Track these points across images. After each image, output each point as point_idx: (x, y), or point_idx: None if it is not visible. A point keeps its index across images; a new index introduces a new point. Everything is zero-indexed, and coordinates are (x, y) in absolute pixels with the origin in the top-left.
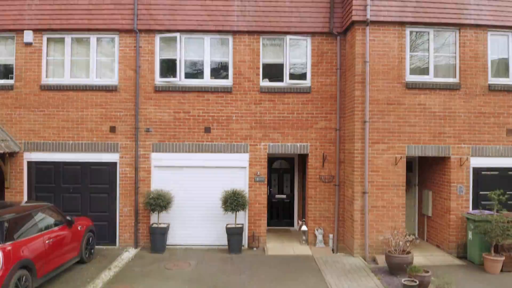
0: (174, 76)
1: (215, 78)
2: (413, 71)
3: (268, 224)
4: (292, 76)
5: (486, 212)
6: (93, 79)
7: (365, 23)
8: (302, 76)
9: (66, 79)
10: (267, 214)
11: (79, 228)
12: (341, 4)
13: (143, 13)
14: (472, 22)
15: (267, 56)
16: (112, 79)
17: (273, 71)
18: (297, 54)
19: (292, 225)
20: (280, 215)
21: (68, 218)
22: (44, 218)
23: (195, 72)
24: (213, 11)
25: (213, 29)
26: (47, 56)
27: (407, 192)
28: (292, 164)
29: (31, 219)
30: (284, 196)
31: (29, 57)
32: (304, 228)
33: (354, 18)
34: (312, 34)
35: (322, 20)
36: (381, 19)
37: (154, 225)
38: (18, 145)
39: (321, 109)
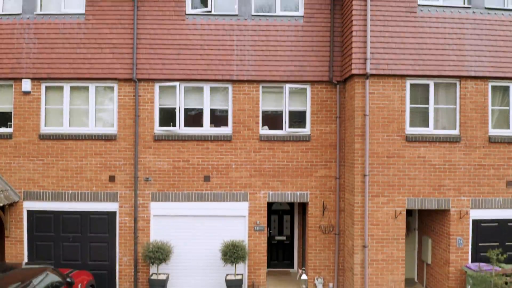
0: (174, 124)
1: (215, 126)
2: (413, 123)
3: (268, 266)
4: (292, 124)
5: (485, 267)
6: (92, 128)
7: (364, 76)
8: (302, 124)
9: (65, 128)
10: (267, 255)
11: (79, 287)
12: (341, 53)
13: (142, 63)
14: (473, 74)
15: (267, 104)
16: (111, 128)
17: (273, 118)
18: (296, 102)
19: (292, 266)
20: (280, 256)
21: (68, 280)
22: (45, 282)
23: (194, 120)
24: (212, 60)
25: (212, 79)
26: (45, 104)
27: (406, 237)
28: (292, 205)
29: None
30: (284, 237)
31: (28, 106)
32: (304, 277)
33: (354, 71)
34: (312, 82)
35: (321, 69)
36: (381, 72)
37: (153, 277)
38: (17, 194)
39: (321, 157)
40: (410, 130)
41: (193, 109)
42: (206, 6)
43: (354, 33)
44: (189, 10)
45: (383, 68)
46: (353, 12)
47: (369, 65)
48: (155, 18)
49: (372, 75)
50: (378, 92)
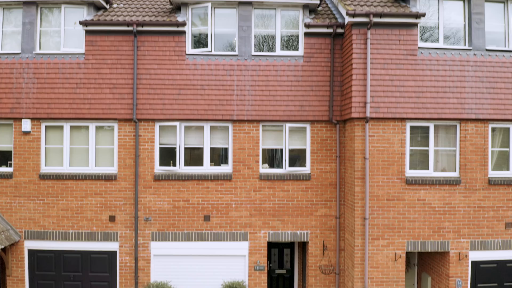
0: (174, 163)
1: (215, 165)
2: (413, 165)
3: None
4: (292, 163)
5: None
6: (92, 168)
7: (364, 119)
8: (302, 163)
9: (65, 168)
10: None
11: None
12: (340, 93)
13: (142, 103)
14: (473, 117)
15: (267, 142)
16: (111, 168)
17: (273, 156)
18: (296, 140)
19: None
20: None
21: None
22: None
23: (194, 159)
24: (213, 100)
25: (212, 118)
26: (45, 144)
27: (406, 272)
28: None
29: None
30: (284, 271)
31: (28, 146)
32: None
33: (354, 115)
34: (312, 121)
35: (321, 109)
36: (381, 115)
37: None
38: (18, 233)
39: (321, 196)
40: (410, 173)
41: (193, 148)
42: (206, 46)
43: (354, 77)
44: (189, 50)
45: (383, 112)
46: (353, 56)
47: (369, 109)
48: (155, 58)
49: (372, 118)
50: (378, 135)
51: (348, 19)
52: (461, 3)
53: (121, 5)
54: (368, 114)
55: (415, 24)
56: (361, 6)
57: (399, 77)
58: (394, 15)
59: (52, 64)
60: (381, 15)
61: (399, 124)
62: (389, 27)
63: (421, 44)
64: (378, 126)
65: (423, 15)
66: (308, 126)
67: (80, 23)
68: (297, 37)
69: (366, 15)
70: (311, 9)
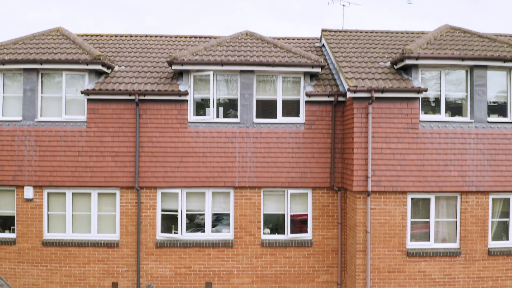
0: (175, 229)
1: (217, 231)
2: (414, 237)
3: None
4: (294, 230)
5: None
6: (95, 235)
7: (366, 193)
8: (303, 229)
9: (68, 234)
10: None
11: None
12: (342, 160)
13: (144, 171)
14: (474, 189)
15: (268, 208)
16: (113, 235)
17: (275, 221)
18: (298, 205)
19: None
20: None
21: None
22: None
23: (196, 224)
24: (215, 168)
25: (214, 185)
26: (48, 210)
27: None
28: None
29: None
30: None
31: (30, 212)
32: None
33: (355, 189)
34: (313, 188)
35: (322, 176)
36: (382, 189)
37: None
38: None
39: (323, 263)
40: (411, 245)
41: (194, 214)
42: (208, 113)
43: (355, 150)
44: (191, 117)
45: (384, 186)
46: (355, 130)
47: (370, 184)
48: (157, 125)
49: (374, 192)
50: (380, 208)
51: (349, 94)
52: (463, 74)
53: (122, 67)
54: (369, 189)
55: (417, 98)
56: (362, 79)
57: (400, 151)
58: (395, 90)
59: (54, 132)
60: (382, 90)
61: (400, 197)
62: (391, 101)
63: (422, 117)
64: (379, 199)
65: (425, 90)
66: (309, 192)
67: (82, 92)
68: (298, 102)
69: (368, 91)
70: (312, 74)
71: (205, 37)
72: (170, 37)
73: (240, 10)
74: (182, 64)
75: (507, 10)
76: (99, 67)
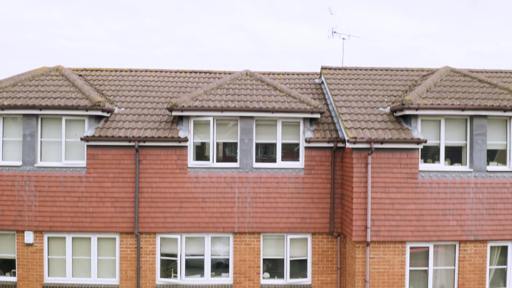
0: (175, 275)
1: (216, 275)
2: (412, 284)
3: None
4: (293, 274)
5: None
6: (95, 279)
7: (365, 243)
8: (303, 274)
9: (68, 279)
10: None
11: None
12: (341, 205)
13: (143, 216)
14: (472, 238)
15: (268, 252)
16: (113, 279)
17: (275, 266)
18: (297, 250)
19: None
20: None
21: None
22: None
23: (195, 269)
24: (214, 213)
25: (213, 231)
26: (48, 254)
27: None
28: None
29: None
30: None
31: (31, 257)
32: None
33: (355, 238)
34: (313, 233)
35: (322, 221)
36: (382, 239)
37: None
38: None
39: None
40: None
41: (194, 258)
42: (208, 159)
43: (354, 200)
44: (191, 163)
45: (383, 235)
46: (354, 180)
47: (369, 234)
48: (157, 171)
49: (373, 242)
50: (379, 257)
51: (349, 145)
52: (463, 124)
53: (122, 109)
54: (369, 239)
55: (417, 148)
56: (362, 129)
57: (399, 200)
58: (395, 141)
59: (54, 177)
60: (382, 141)
61: (399, 246)
62: (390, 150)
63: (422, 166)
64: (378, 248)
65: (425, 141)
66: (309, 237)
67: (81, 139)
68: (297, 145)
69: (367, 142)
70: (312, 119)
71: (205, 72)
72: (170, 72)
73: (240, 10)
74: (182, 110)
75: (506, 10)
76: (98, 113)
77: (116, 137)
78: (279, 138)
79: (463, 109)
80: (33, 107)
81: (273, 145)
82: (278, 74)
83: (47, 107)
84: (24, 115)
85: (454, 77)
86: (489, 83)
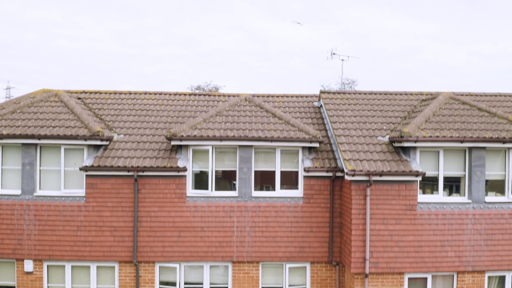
0: None
1: None
2: None
3: None
4: None
5: None
6: None
7: (363, 274)
8: None
9: None
10: None
11: None
12: (340, 234)
13: (142, 245)
14: (470, 269)
15: (267, 280)
16: None
17: None
18: (296, 278)
19: None
20: None
21: None
22: None
23: None
24: (213, 242)
25: (212, 260)
26: (48, 282)
27: None
28: None
29: None
30: None
31: (31, 285)
32: None
33: (353, 270)
34: (312, 262)
35: (321, 250)
36: (380, 270)
37: None
38: None
39: None
40: None
41: (192, 287)
42: (206, 188)
43: (353, 232)
44: (189, 191)
45: (382, 267)
46: (352, 212)
47: (368, 266)
48: (155, 200)
49: (372, 273)
50: None
51: (347, 177)
52: (462, 154)
53: (121, 135)
54: (367, 271)
55: (415, 180)
56: (361, 161)
57: (398, 232)
58: (394, 174)
59: (53, 207)
60: (380, 174)
61: (397, 277)
62: (389, 182)
63: (420, 198)
64: (377, 279)
65: (423, 174)
66: (308, 266)
67: (80, 169)
68: (296, 173)
69: (366, 174)
70: (311, 147)
71: (204, 95)
72: (169, 94)
73: (239, 10)
74: (181, 139)
75: (506, 11)
76: (97, 142)
77: (115, 167)
78: (278, 166)
79: (462, 141)
80: (32, 136)
81: (272, 174)
82: (277, 96)
83: (46, 137)
84: (23, 144)
85: (453, 105)
86: (488, 111)
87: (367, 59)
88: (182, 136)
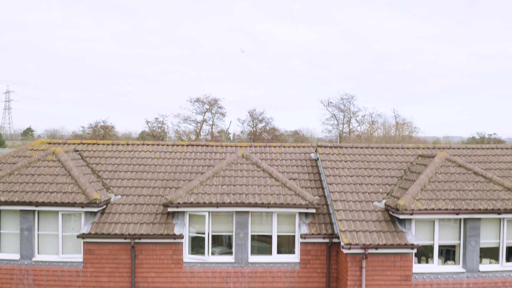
0: None
1: None
2: None
3: None
4: None
5: None
6: None
7: None
8: None
9: None
10: None
11: None
12: None
13: None
14: None
15: None
16: None
17: None
18: None
19: None
20: None
21: None
22: None
23: None
24: None
25: None
26: None
27: None
28: None
29: None
30: None
31: None
32: None
33: None
34: None
35: None
36: None
37: None
38: None
39: None
40: None
41: None
42: (203, 254)
43: None
44: (186, 257)
45: None
46: (348, 283)
47: None
48: (152, 266)
49: None
50: None
51: (344, 251)
52: (457, 224)
53: (119, 196)
54: None
55: (411, 252)
56: (357, 232)
57: None
58: (389, 246)
59: (52, 272)
60: (376, 247)
61: None
62: (385, 254)
63: (415, 268)
64: None
65: (418, 246)
66: None
67: (78, 236)
68: (293, 237)
69: (362, 248)
70: (307, 212)
71: (202, 145)
72: (167, 145)
73: (239, 11)
74: (177, 206)
75: (504, 12)
76: (94, 209)
77: (112, 234)
78: (274, 231)
79: (457, 213)
80: (30, 203)
81: (269, 237)
82: (275, 146)
83: (43, 204)
84: (21, 210)
85: (449, 168)
86: (484, 176)
87: (367, 60)
88: (179, 203)
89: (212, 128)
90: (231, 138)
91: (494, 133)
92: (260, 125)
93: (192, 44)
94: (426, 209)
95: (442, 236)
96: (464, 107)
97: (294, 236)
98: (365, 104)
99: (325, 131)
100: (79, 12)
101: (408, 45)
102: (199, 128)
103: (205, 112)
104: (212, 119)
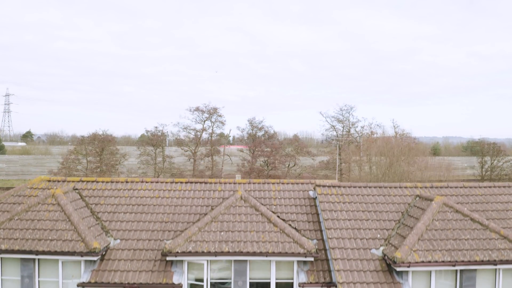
0: None
1: None
2: None
3: None
4: None
5: None
6: None
7: None
8: None
9: None
10: None
11: None
12: None
13: None
14: None
15: None
16: None
17: None
18: None
19: None
20: None
21: None
22: None
23: None
24: None
25: None
26: None
27: None
28: None
29: None
30: None
31: None
32: None
33: None
34: None
35: None
36: None
37: None
38: None
39: None
40: None
41: None
42: None
43: None
44: None
45: None
46: None
47: None
48: None
49: None
50: None
51: None
52: (453, 274)
53: (118, 240)
54: None
55: None
56: (354, 283)
57: None
58: None
59: None
60: None
61: None
62: None
63: None
64: None
65: None
66: None
67: (78, 285)
68: (292, 284)
69: None
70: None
71: (200, 182)
72: (166, 182)
73: (238, 12)
74: (176, 255)
75: (503, 12)
76: (94, 258)
77: (111, 283)
78: (273, 279)
79: (453, 265)
80: (30, 252)
81: (267, 283)
82: (273, 183)
83: (43, 253)
84: (22, 258)
85: (447, 214)
86: (480, 223)
87: (366, 60)
88: (177, 252)
89: (211, 136)
90: (231, 141)
91: (494, 142)
92: (259, 133)
93: (192, 44)
94: (423, 262)
95: (438, 287)
96: (463, 107)
97: (292, 283)
98: (365, 104)
99: (325, 143)
100: (79, 12)
101: (407, 45)
102: (199, 136)
103: (204, 121)
104: (211, 128)
